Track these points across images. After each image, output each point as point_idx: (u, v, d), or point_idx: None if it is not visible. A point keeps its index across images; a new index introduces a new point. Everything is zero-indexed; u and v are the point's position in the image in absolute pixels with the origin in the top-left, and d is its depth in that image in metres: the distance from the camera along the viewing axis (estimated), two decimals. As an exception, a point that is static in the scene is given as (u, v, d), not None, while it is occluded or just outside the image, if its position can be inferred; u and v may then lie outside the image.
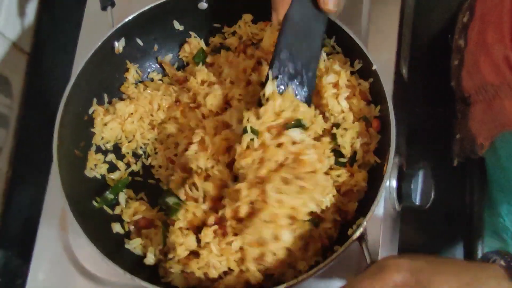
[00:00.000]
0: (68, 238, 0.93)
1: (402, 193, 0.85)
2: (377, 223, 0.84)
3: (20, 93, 1.12)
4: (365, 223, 0.71)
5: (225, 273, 0.75)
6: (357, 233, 0.70)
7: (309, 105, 0.78)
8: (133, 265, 0.81)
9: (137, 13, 0.88)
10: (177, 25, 0.93)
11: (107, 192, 0.86)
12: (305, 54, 0.78)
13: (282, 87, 0.77)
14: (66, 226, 0.94)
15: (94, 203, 0.85)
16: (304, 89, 0.79)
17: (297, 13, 0.77)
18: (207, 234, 0.74)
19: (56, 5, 1.17)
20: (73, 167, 0.84)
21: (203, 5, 0.90)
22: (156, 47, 0.95)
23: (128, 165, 0.91)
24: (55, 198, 0.96)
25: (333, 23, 0.82)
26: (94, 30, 0.89)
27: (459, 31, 0.92)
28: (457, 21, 0.94)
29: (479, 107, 0.85)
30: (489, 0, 0.86)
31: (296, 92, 0.78)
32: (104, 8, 0.89)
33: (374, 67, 0.80)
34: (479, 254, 0.91)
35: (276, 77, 0.77)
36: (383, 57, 0.92)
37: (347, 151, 0.80)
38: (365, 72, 0.83)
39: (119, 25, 0.87)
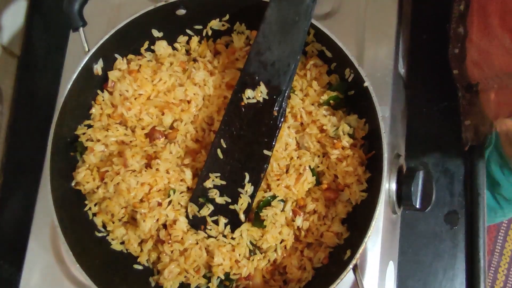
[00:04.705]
0: (59, 246, 0.93)
1: (402, 196, 0.83)
2: (377, 229, 0.81)
3: (10, 98, 1.10)
4: (357, 255, 0.72)
5: None
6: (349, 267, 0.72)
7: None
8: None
9: (112, 32, 0.83)
10: (156, 33, 0.89)
11: None
12: (283, 50, 0.79)
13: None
14: (57, 234, 0.92)
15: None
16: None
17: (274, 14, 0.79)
18: None
19: (45, 7, 1.13)
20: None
21: (181, 11, 0.86)
22: (137, 57, 0.91)
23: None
24: (45, 207, 0.94)
25: (324, 34, 0.79)
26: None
27: (456, 19, 0.91)
28: (452, 10, 0.93)
29: (492, 93, 0.85)
30: None
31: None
32: (75, 30, 0.84)
33: (366, 84, 0.77)
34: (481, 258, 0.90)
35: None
36: (381, 57, 0.89)
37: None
38: (356, 83, 0.80)
39: (94, 49, 0.83)
